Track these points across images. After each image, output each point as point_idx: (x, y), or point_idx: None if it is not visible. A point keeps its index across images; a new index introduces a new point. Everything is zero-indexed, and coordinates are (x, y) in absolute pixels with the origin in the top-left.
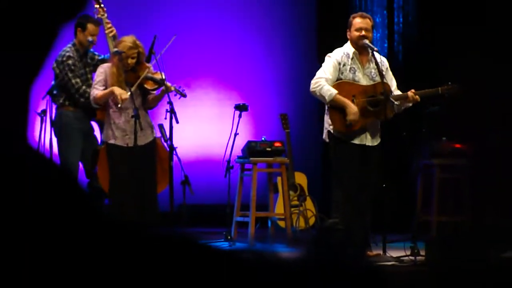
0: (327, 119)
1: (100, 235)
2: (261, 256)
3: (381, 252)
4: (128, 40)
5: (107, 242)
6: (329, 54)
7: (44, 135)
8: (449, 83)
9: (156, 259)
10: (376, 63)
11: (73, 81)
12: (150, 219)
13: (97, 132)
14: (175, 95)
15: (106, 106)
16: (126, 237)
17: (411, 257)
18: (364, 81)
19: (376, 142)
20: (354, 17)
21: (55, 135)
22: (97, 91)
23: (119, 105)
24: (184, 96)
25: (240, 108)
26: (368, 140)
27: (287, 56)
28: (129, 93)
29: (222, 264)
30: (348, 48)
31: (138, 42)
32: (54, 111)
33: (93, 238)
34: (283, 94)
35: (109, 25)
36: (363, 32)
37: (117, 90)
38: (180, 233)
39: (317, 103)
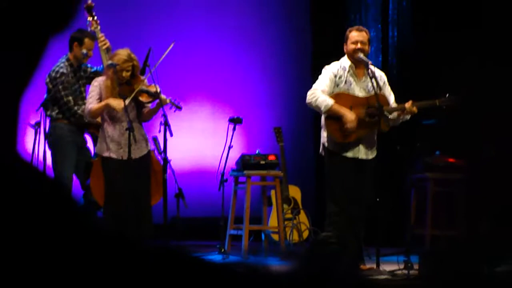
0: (323, 132)
1: (92, 247)
2: (253, 269)
3: (374, 266)
4: (122, 53)
5: (100, 255)
6: (326, 67)
7: (38, 148)
8: (447, 95)
9: (148, 272)
10: (373, 76)
11: (65, 99)
12: (144, 231)
13: (89, 145)
14: (171, 107)
15: (100, 119)
16: (118, 250)
17: (404, 271)
18: (360, 94)
19: (371, 155)
20: (350, 31)
21: (49, 148)
22: (91, 105)
23: (118, 114)
24: (180, 108)
25: (234, 121)
26: (362, 153)
27: (281, 69)
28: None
29: (214, 277)
30: (344, 61)
31: (132, 55)
32: (48, 123)
33: (85, 250)
34: (277, 107)
35: (102, 38)
36: (359, 45)
37: (112, 102)
38: (172, 246)
39: (311, 117)
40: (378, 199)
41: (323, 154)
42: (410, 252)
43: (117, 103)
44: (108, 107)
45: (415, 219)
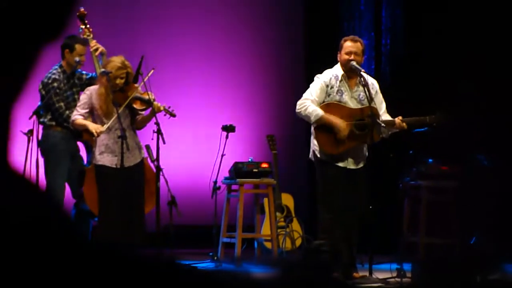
0: (312, 139)
1: (82, 259)
2: (236, 277)
3: (367, 273)
4: (116, 60)
5: (89, 266)
6: (318, 75)
7: (31, 155)
8: (437, 113)
9: (137, 281)
10: (366, 85)
11: (57, 105)
12: (137, 239)
13: (82, 153)
14: (165, 115)
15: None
16: (109, 261)
17: (397, 279)
18: (351, 104)
19: (360, 165)
20: (345, 40)
21: (42, 155)
22: (77, 115)
23: (94, 137)
24: (174, 116)
25: (227, 129)
26: (350, 163)
27: (275, 77)
28: (106, 125)
29: (201, 285)
30: (337, 70)
31: (126, 62)
32: (40, 131)
33: (76, 261)
34: (270, 115)
35: (95, 45)
36: (352, 56)
37: (91, 127)
38: (160, 254)
39: (304, 125)
40: (371, 207)
41: (313, 159)
42: (403, 260)
43: (95, 128)
44: (87, 129)
45: (408, 227)
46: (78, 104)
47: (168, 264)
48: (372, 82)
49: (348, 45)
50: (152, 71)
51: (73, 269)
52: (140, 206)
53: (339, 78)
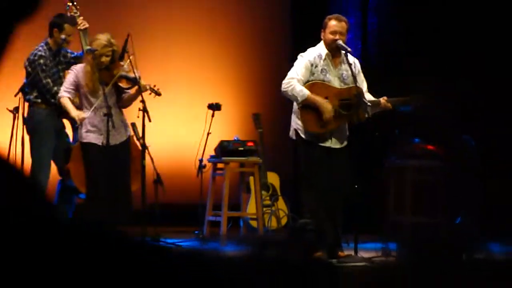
0: (294, 118)
1: (65, 245)
2: (204, 255)
3: (352, 252)
4: (102, 38)
5: (73, 253)
6: (301, 54)
7: (17, 133)
8: (419, 94)
9: (117, 264)
10: (349, 65)
11: (44, 81)
12: (123, 217)
13: (68, 130)
14: (150, 93)
15: (80, 105)
16: (90, 245)
17: (382, 258)
18: (335, 83)
19: (342, 145)
20: (330, 19)
21: (27, 133)
22: (64, 91)
23: (76, 125)
24: (159, 94)
25: (213, 107)
26: (334, 143)
27: (262, 55)
28: (87, 113)
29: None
30: (321, 49)
31: (112, 40)
32: (26, 108)
33: (58, 248)
34: (257, 93)
35: (81, 22)
36: (337, 36)
37: (74, 113)
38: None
39: (290, 103)
40: (356, 186)
41: (293, 137)
42: (389, 239)
43: (77, 115)
44: (69, 114)
45: (394, 207)
46: (65, 81)
47: (135, 243)
48: (355, 61)
49: (333, 24)
50: (128, 37)
51: (54, 252)
52: (126, 184)
53: (323, 57)
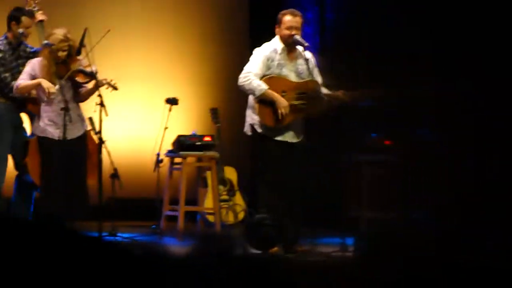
0: (250, 113)
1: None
2: (150, 249)
3: (310, 247)
4: (59, 32)
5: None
6: (257, 49)
7: None
8: (376, 87)
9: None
10: (305, 60)
11: (2, 76)
12: (79, 212)
13: (26, 124)
14: (107, 88)
15: (37, 99)
16: (43, 240)
17: (339, 253)
18: (291, 77)
19: (299, 139)
20: (284, 14)
21: None
22: (21, 81)
23: (45, 99)
24: (116, 89)
25: (170, 101)
26: (290, 137)
27: (219, 49)
28: (57, 86)
29: (109, 258)
30: (276, 44)
31: (69, 35)
32: None
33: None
34: (214, 88)
35: (40, 16)
36: (293, 31)
37: (45, 83)
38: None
39: (247, 98)
40: (313, 180)
41: (249, 133)
42: (346, 234)
43: (48, 86)
44: (39, 85)
45: (351, 201)
46: (22, 72)
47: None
48: (310, 56)
49: (288, 19)
50: (108, 31)
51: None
52: (82, 178)
53: (279, 52)
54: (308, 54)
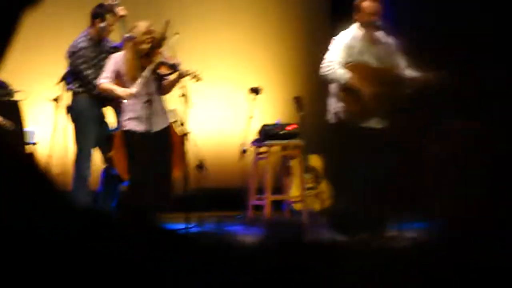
0: (333, 101)
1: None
2: (217, 239)
3: (397, 233)
4: (142, 25)
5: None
6: (336, 38)
7: (59, 122)
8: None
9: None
10: (385, 44)
11: (85, 73)
12: (165, 203)
13: (111, 118)
14: (191, 79)
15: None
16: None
17: (423, 238)
18: (373, 63)
19: (383, 124)
20: (362, 1)
21: (70, 121)
22: (103, 79)
23: (125, 101)
24: (200, 80)
25: (254, 91)
26: (374, 123)
27: (302, 37)
28: (139, 82)
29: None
30: (356, 30)
31: (152, 27)
32: (67, 98)
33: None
34: (297, 76)
35: (121, 10)
36: (373, 17)
37: (119, 90)
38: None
39: (330, 86)
40: (399, 166)
41: (333, 121)
42: (428, 219)
43: (123, 93)
44: (115, 93)
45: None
46: (104, 70)
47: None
48: (391, 40)
49: (367, 5)
50: (177, 35)
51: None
52: (167, 170)
53: (359, 38)
54: (388, 39)
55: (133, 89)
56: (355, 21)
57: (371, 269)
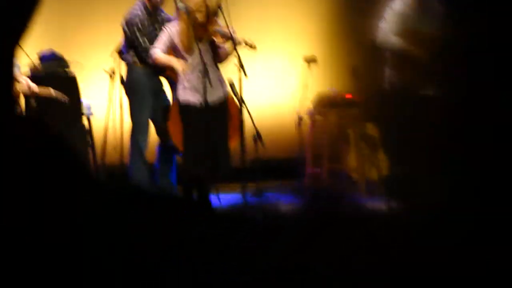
0: (388, 69)
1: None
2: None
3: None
4: None
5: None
6: (390, 5)
7: (114, 95)
8: None
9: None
10: (437, 10)
11: (141, 39)
12: (223, 174)
13: (166, 88)
14: (245, 47)
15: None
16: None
17: None
18: (425, 30)
19: (437, 91)
20: None
21: (126, 94)
22: (157, 50)
23: (180, 72)
24: (255, 48)
25: (308, 60)
26: (429, 89)
27: (357, 7)
28: (196, 51)
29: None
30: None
31: None
32: (123, 69)
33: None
34: (353, 44)
35: None
36: None
37: (175, 64)
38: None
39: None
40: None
41: (387, 89)
42: None
43: (179, 65)
44: (169, 65)
45: None
46: (158, 40)
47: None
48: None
49: None
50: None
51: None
52: (224, 140)
53: (412, 5)
54: (437, 4)
55: (189, 61)
56: None
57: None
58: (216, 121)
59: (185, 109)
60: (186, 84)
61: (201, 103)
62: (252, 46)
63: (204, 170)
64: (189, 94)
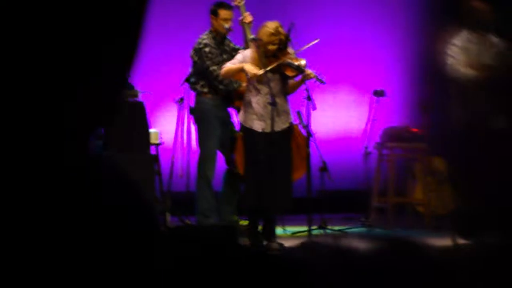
0: (456, 103)
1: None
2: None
3: None
4: (270, 26)
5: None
6: (453, 41)
7: (182, 123)
8: None
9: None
10: (497, 44)
11: (211, 68)
12: (283, 204)
13: (234, 119)
14: (315, 81)
15: (245, 89)
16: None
17: None
18: (490, 64)
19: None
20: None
21: (194, 123)
22: (227, 63)
23: (251, 82)
24: (323, 82)
25: (377, 94)
26: (501, 122)
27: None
28: (262, 72)
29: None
30: (467, 34)
31: (280, 28)
32: (192, 98)
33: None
34: (422, 78)
35: (246, 13)
36: (484, 17)
37: (247, 66)
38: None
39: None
40: None
41: (458, 123)
42: None
43: (252, 69)
44: (243, 69)
45: None
46: (232, 60)
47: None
48: (499, 40)
49: (478, 5)
50: (317, 40)
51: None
52: (286, 171)
53: (473, 41)
54: (496, 39)
55: (261, 71)
56: (464, 24)
57: (489, 274)
58: (279, 150)
59: (248, 136)
60: (252, 111)
61: (265, 132)
62: (320, 80)
63: (264, 200)
64: (253, 122)
